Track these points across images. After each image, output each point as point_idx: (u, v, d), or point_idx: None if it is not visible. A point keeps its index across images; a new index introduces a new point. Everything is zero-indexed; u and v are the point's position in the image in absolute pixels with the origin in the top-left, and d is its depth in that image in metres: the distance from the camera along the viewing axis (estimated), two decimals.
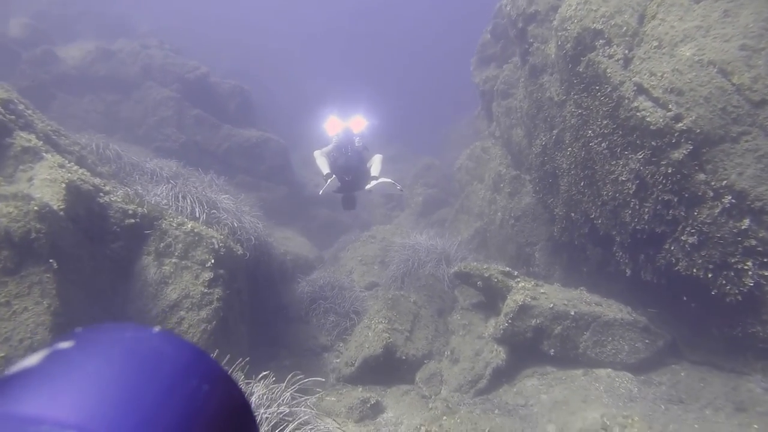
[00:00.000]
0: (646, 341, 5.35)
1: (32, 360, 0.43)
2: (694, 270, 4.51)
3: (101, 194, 4.59)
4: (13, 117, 4.53)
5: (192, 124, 11.25)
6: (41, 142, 4.55)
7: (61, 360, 0.42)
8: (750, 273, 4.16)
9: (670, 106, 4.43)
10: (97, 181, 4.73)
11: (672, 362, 5.31)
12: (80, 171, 4.60)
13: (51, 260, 3.63)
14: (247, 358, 4.13)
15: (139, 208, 4.78)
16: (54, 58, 10.89)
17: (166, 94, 11.35)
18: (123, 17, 16.23)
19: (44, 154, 4.39)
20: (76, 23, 14.04)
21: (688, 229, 4.48)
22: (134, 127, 10.98)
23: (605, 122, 5.16)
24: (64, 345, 0.45)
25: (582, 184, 5.78)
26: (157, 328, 0.50)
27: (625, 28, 5.08)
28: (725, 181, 4.20)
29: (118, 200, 4.71)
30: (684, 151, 4.33)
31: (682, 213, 4.51)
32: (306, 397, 3.81)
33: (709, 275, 4.39)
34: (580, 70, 5.42)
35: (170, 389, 0.42)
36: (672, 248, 4.72)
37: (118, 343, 0.45)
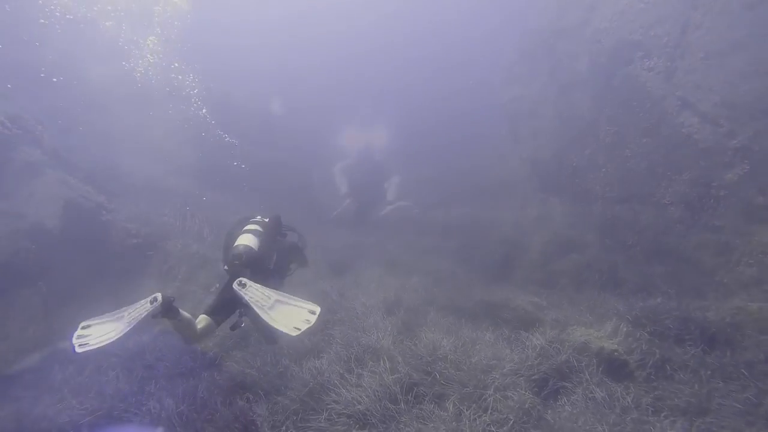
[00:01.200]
0: None
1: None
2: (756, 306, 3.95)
3: (104, 212, 4.39)
4: (20, 132, 4.40)
5: (214, 144, 11.24)
6: (47, 158, 4.40)
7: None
8: None
9: (721, 122, 3.97)
10: (101, 198, 4.54)
11: None
12: (84, 188, 4.42)
13: (40, 283, 3.39)
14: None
15: (143, 228, 4.55)
16: (83, 79, 11.10)
17: (191, 113, 11.40)
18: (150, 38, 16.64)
19: (47, 170, 4.22)
20: (104, 46, 14.44)
21: (745, 259, 3.95)
22: (158, 146, 11.01)
23: (645, 140, 4.71)
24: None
25: (618, 207, 5.30)
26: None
27: (666, 38, 4.67)
28: None
29: (122, 219, 4.50)
30: (740, 172, 3.84)
31: (738, 241, 3.98)
32: None
33: None
34: (616, 84, 5.01)
35: None
36: (725, 281, 4.17)
37: None
